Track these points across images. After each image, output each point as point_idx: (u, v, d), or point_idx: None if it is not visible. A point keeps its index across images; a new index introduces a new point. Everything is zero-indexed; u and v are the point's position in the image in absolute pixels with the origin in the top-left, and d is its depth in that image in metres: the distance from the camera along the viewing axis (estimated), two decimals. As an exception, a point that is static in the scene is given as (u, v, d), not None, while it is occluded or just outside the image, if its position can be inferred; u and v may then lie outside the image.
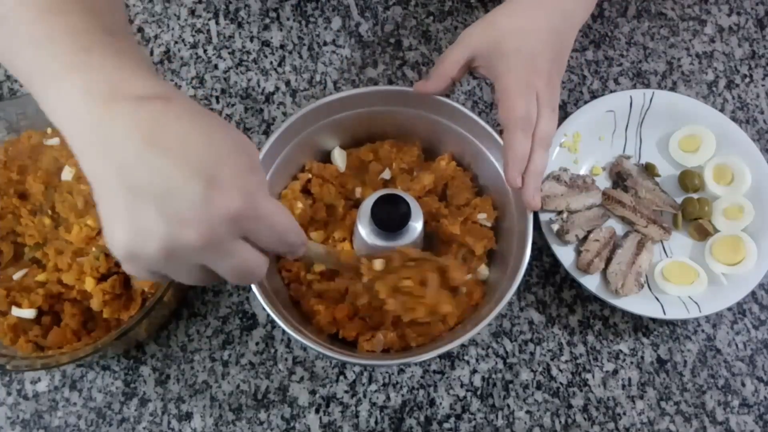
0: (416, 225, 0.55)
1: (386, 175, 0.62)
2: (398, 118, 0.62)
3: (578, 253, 0.63)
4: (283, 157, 0.60)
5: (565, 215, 0.63)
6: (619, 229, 0.66)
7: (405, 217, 0.53)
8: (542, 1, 0.55)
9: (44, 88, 0.36)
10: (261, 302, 0.51)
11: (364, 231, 0.55)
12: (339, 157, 0.63)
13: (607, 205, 0.66)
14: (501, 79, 0.53)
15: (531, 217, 0.55)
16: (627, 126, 0.69)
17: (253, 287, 0.52)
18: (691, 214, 0.65)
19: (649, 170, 0.68)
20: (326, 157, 0.64)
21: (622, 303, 0.61)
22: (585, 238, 0.64)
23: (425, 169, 0.62)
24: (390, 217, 0.53)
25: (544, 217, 0.64)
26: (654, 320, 0.64)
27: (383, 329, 0.56)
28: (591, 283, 0.62)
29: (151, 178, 0.32)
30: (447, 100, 0.59)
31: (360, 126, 0.63)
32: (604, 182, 0.68)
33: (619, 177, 0.67)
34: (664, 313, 0.60)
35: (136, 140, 0.33)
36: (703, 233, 0.65)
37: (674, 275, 0.62)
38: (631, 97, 0.69)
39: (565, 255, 0.62)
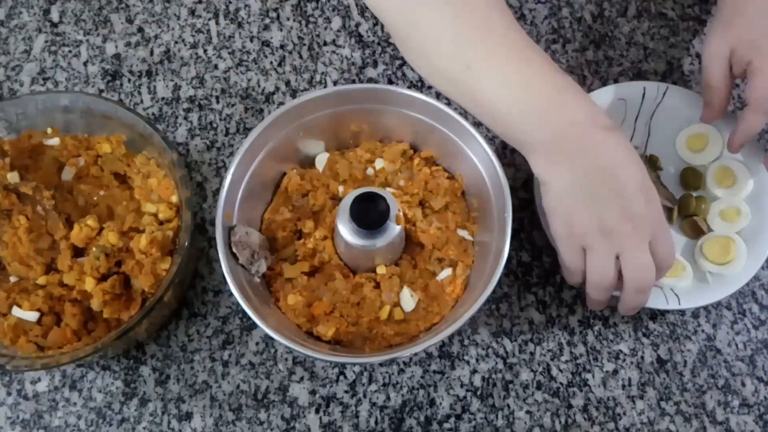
0: (395, 224, 0.55)
1: (369, 172, 0.62)
2: (381, 116, 0.61)
3: (578, 253, 0.63)
4: (260, 160, 0.59)
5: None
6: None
7: (383, 215, 0.53)
8: None
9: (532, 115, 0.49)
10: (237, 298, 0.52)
11: (344, 229, 0.55)
12: (320, 163, 0.63)
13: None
14: (757, 60, 0.58)
15: (510, 211, 0.55)
16: (637, 117, 0.69)
17: (233, 290, 0.52)
18: (687, 210, 0.65)
19: (651, 162, 0.68)
20: (304, 163, 0.64)
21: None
22: (585, 238, 0.64)
23: (407, 168, 0.62)
24: (368, 215, 0.53)
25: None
26: (654, 320, 0.64)
27: (359, 327, 0.57)
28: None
29: (616, 185, 0.48)
30: (430, 99, 0.59)
31: (341, 126, 0.62)
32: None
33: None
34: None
35: (619, 158, 0.49)
36: (696, 231, 0.64)
37: None
38: (644, 88, 0.68)
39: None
